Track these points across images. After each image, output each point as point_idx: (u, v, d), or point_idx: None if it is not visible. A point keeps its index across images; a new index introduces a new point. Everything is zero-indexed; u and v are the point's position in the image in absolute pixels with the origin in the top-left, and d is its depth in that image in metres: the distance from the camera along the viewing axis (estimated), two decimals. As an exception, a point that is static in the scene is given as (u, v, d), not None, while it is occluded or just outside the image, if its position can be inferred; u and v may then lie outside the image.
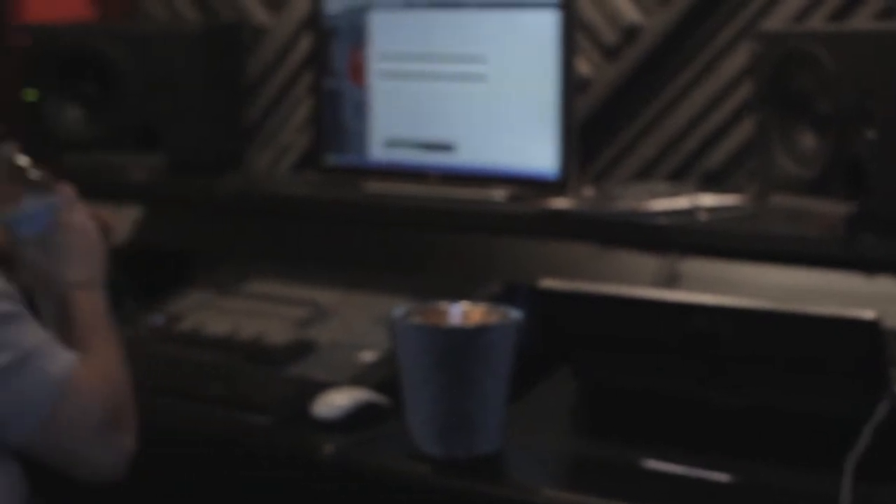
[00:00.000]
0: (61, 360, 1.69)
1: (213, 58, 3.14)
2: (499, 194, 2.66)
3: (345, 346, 2.41)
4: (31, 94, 3.19)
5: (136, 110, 3.10)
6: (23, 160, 1.92)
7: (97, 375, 1.72)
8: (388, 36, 2.82)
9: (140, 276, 2.77)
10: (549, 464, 2.07)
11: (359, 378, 2.28)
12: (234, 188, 2.95)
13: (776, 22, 2.68)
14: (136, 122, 3.11)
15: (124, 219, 2.95)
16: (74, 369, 1.69)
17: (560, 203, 2.55)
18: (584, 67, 2.86)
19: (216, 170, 3.11)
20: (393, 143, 2.83)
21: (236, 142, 3.25)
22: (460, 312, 2.06)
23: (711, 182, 2.70)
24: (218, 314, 2.60)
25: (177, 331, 2.56)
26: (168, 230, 2.94)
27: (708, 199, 2.49)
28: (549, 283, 2.13)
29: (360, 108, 2.86)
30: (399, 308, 2.05)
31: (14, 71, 3.29)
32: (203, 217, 2.90)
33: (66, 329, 1.79)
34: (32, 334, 1.69)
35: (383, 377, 2.23)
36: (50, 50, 3.20)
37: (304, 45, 3.18)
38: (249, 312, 2.58)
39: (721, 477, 1.88)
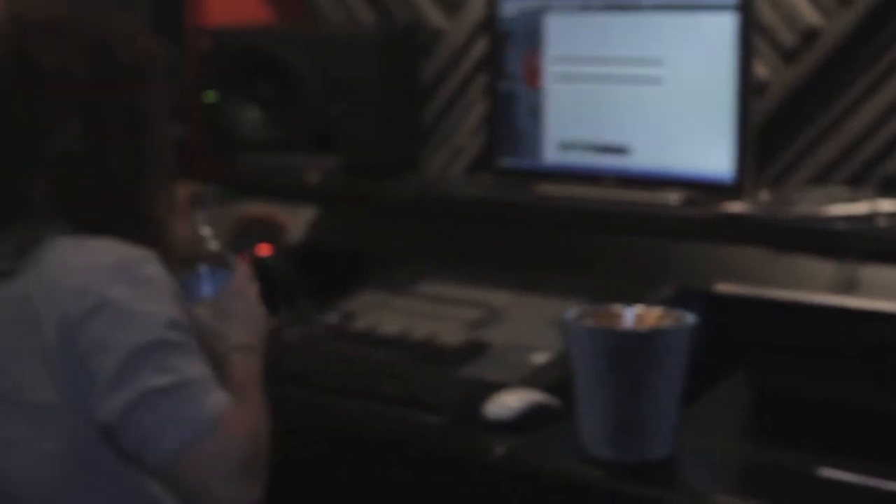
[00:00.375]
0: (217, 396, 1.72)
1: (389, 61, 3.17)
2: (673, 198, 2.64)
3: (517, 348, 2.41)
4: (210, 96, 3.25)
5: (313, 112, 3.13)
6: (206, 231, 1.99)
7: (244, 422, 1.75)
8: (563, 39, 2.81)
9: (315, 276, 2.81)
10: (721, 469, 2.05)
11: (530, 379, 2.28)
12: (408, 190, 2.97)
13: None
14: (312, 125, 3.14)
15: (299, 219, 2.99)
16: (227, 409, 1.72)
17: (735, 207, 2.53)
18: (761, 70, 2.82)
19: (391, 172, 3.14)
20: (567, 146, 2.83)
21: (411, 144, 3.27)
22: (633, 315, 2.05)
23: (891, 187, 2.65)
24: (391, 314, 2.62)
25: (351, 329, 2.59)
26: (342, 231, 2.97)
27: (887, 205, 2.44)
28: (723, 287, 2.11)
29: (535, 111, 2.86)
30: (572, 310, 2.05)
31: (195, 73, 3.35)
32: (377, 218, 2.93)
33: (221, 383, 1.83)
34: (196, 366, 1.72)
35: (555, 379, 2.23)
36: (229, 53, 3.26)
37: (479, 47, 3.19)
38: (422, 313, 2.60)
39: (899, 487, 1.85)
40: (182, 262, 1.97)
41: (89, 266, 1.72)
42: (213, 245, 2.00)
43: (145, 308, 1.70)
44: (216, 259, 1.99)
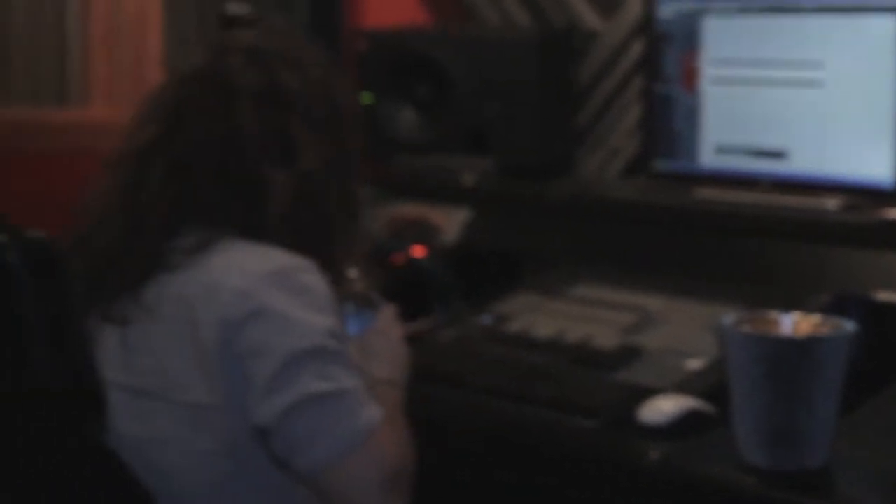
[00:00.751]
0: (371, 410, 1.74)
1: (544, 62, 3.17)
2: (832, 203, 2.60)
3: (672, 353, 2.40)
4: (366, 98, 3.28)
5: (468, 114, 3.15)
6: (353, 273, 2.02)
7: (393, 438, 1.76)
8: (721, 41, 2.79)
9: (469, 277, 2.82)
10: (878, 479, 2.02)
11: (685, 385, 2.27)
12: (563, 192, 2.97)
13: None
14: (467, 126, 3.16)
15: (454, 220, 3.01)
16: (380, 424, 1.74)
17: (896, 213, 2.49)
18: (924, 73, 2.77)
19: (546, 173, 3.14)
20: (723, 150, 2.80)
21: (565, 145, 3.27)
22: (791, 322, 2.03)
23: None
24: (545, 317, 2.62)
25: (505, 332, 2.60)
26: (497, 232, 2.98)
27: None
28: (883, 295, 2.08)
29: (691, 114, 2.84)
30: (728, 316, 2.03)
31: (351, 75, 3.39)
32: (532, 220, 2.93)
33: None
34: (353, 378, 1.75)
35: (710, 385, 2.22)
36: (385, 55, 3.29)
37: (636, 49, 3.18)
38: (577, 316, 2.60)
39: None
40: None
41: (250, 270, 1.75)
42: (360, 285, 2.03)
43: (304, 316, 1.73)
44: (362, 299, 2.02)
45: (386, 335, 2.00)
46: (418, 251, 2.82)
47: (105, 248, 1.83)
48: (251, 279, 1.74)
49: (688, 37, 2.83)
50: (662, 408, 2.15)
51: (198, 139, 1.84)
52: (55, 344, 1.64)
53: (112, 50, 4.23)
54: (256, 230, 1.82)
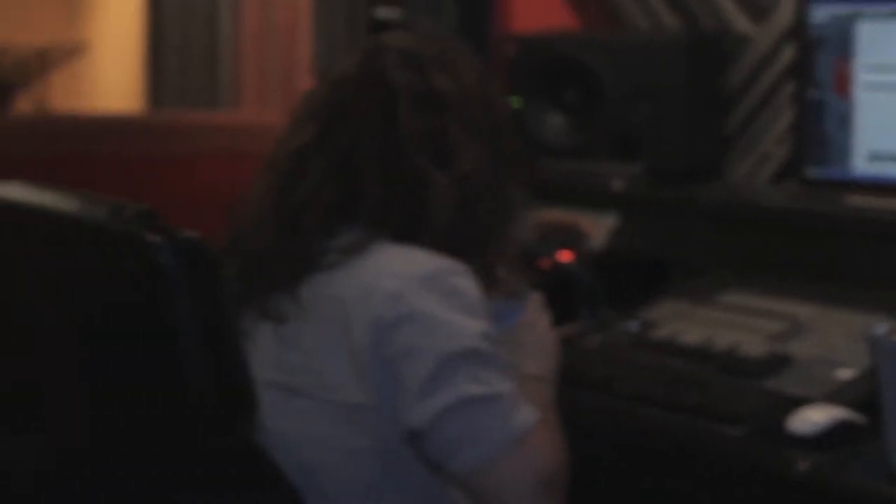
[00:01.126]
0: (526, 412, 1.74)
1: (694, 67, 3.15)
2: None
3: (821, 362, 2.37)
4: (515, 102, 3.29)
5: (617, 119, 3.14)
6: (502, 272, 2.02)
7: (547, 441, 1.76)
8: (875, 46, 2.74)
9: (615, 283, 2.81)
10: None
11: (835, 395, 2.23)
12: (712, 198, 2.95)
13: None
14: (615, 130, 3.14)
15: (601, 226, 3.00)
16: (533, 427, 1.74)
17: None
18: None
19: (695, 179, 3.12)
20: (877, 157, 2.75)
21: (715, 151, 3.24)
22: (946, 333, 1.99)
23: None
24: (693, 323, 2.60)
25: (652, 338, 2.58)
26: (644, 238, 2.96)
27: None
28: None
29: (844, 121, 2.79)
30: (881, 326, 2.00)
31: (500, 80, 3.39)
32: (680, 226, 2.91)
33: None
34: (507, 381, 1.75)
35: (861, 395, 2.18)
36: (534, 59, 3.29)
37: (787, 54, 3.14)
38: (724, 323, 2.57)
39: None
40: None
41: (403, 273, 1.76)
42: (506, 278, 2.02)
43: (456, 318, 1.73)
44: (508, 289, 2.01)
45: (534, 327, 1.99)
46: (565, 256, 2.82)
47: (260, 249, 1.86)
48: (404, 282, 1.75)
49: (841, 41, 2.79)
50: (812, 417, 2.12)
51: (355, 139, 1.85)
52: (208, 343, 1.67)
53: (262, 55, 4.30)
54: (413, 232, 1.82)
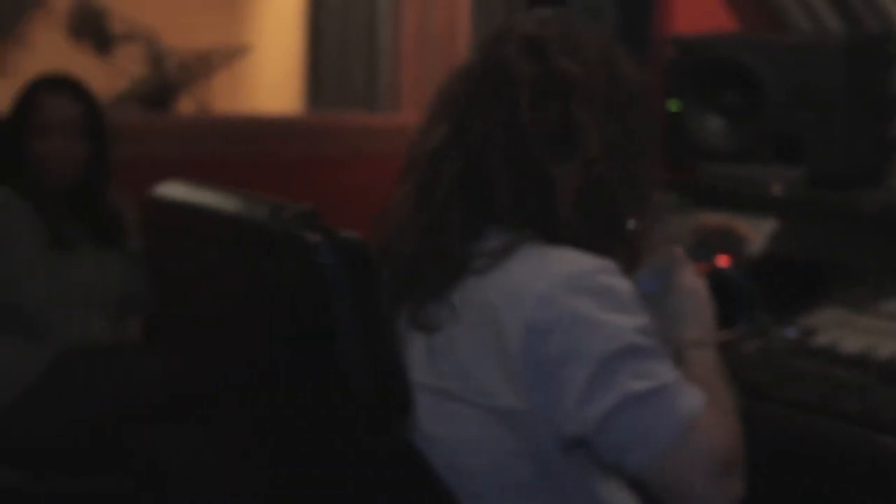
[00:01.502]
0: (692, 399, 1.72)
1: (856, 70, 3.09)
2: None
3: None
4: (674, 105, 3.27)
5: (778, 122, 3.10)
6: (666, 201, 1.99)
7: (719, 419, 1.74)
8: None
9: (774, 289, 2.77)
10: None
11: None
12: (873, 203, 2.89)
13: None
14: (776, 135, 3.11)
15: (761, 231, 2.96)
16: (702, 411, 1.72)
17: None
18: None
19: (857, 184, 3.06)
20: None
21: (878, 156, 3.18)
22: None
23: None
24: (853, 331, 2.56)
25: (811, 345, 2.54)
26: (804, 244, 2.92)
27: None
28: None
29: None
30: None
31: (659, 82, 3.37)
32: (841, 231, 2.87)
33: None
34: (669, 370, 1.73)
35: None
36: (694, 61, 3.26)
37: (955, 57, 3.07)
38: (886, 332, 2.52)
39: None
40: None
41: (552, 275, 1.74)
42: (658, 243, 1.99)
43: (611, 317, 1.72)
44: (660, 257, 1.97)
45: (688, 292, 1.94)
46: (723, 261, 2.78)
47: (407, 253, 1.86)
48: (553, 284, 1.74)
49: None
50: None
51: (483, 135, 1.83)
52: (366, 343, 1.68)
53: (421, 57, 4.32)
54: (549, 224, 1.81)
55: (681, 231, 2.93)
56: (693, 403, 1.71)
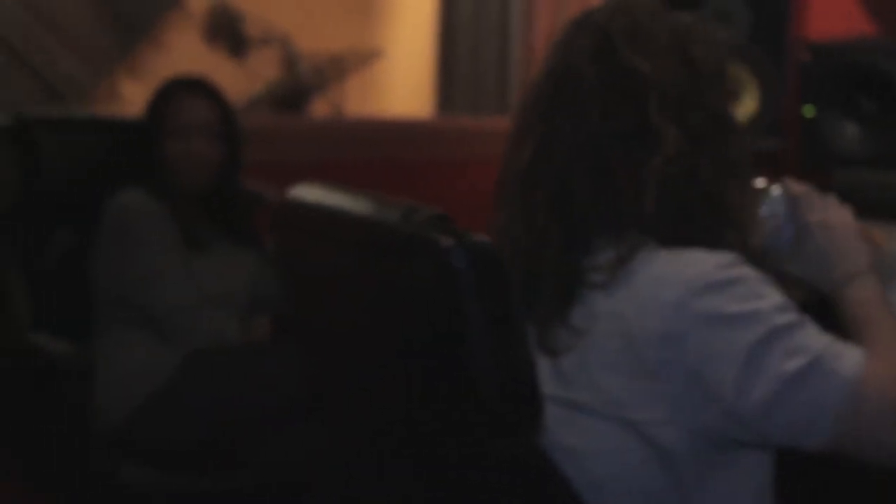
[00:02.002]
0: (850, 359, 1.67)
1: None
2: None
3: None
4: (808, 111, 3.23)
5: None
6: (760, 182, 1.94)
7: (884, 366, 1.67)
8: None
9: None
10: None
11: None
12: None
13: None
14: (914, 141, 3.06)
15: (894, 237, 2.92)
16: (865, 365, 1.68)
17: None
18: None
19: None
20: None
21: None
22: None
23: None
24: None
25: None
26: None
27: None
28: None
29: None
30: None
31: (795, 87, 3.34)
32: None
33: (850, 331, 1.78)
34: (817, 337, 1.69)
35: None
36: (830, 66, 3.22)
37: None
38: None
39: None
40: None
41: (677, 280, 1.72)
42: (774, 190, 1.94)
43: (744, 308, 1.69)
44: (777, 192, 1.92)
45: (820, 228, 1.88)
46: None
47: (522, 269, 1.84)
48: (681, 290, 1.71)
49: None
50: None
51: (567, 149, 1.81)
52: (496, 346, 1.68)
53: (553, 60, 4.32)
54: (653, 228, 1.78)
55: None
56: (852, 365, 1.66)
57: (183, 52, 4.12)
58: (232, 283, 3.27)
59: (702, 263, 1.74)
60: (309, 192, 1.96)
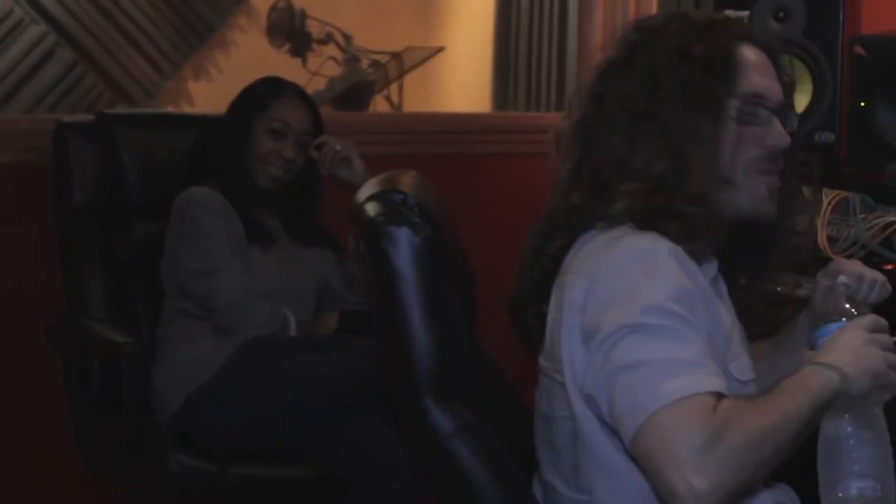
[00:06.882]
0: (677, 384, 1.71)
1: None
2: None
3: None
4: (861, 104, 3.26)
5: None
6: (844, 287, 2.00)
7: (694, 418, 1.69)
8: None
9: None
10: None
11: None
12: None
13: None
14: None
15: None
16: (680, 398, 1.70)
17: None
18: None
19: None
20: None
21: None
22: None
23: None
24: None
25: None
26: None
27: None
28: None
29: None
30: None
31: (848, 81, 3.37)
32: None
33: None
34: (665, 350, 1.75)
35: None
36: (881, 60, 3.26)
37: None
38: None
39: None
40: (815, 318, 2.02)
41: (603, 255, 1.85)
42: (850, 303, 1.99)
43: (630, 293, 1.77)
44: (846, 310, 1.98)
45: (842, 336, 1.89)
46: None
47: (529, 248, 2.01)
48: (599, 265, 1.84)
49: None
50: None
51: (598, 164, 1.93)
52: (428, 324, 1.89)
53: (610, 57, 4.36)
54: (654, 221, 1.87)
55: (869, 231, 2.93)
56: (675, 388, 1.70)
57: (248, 51, 4.19)
58: (297, 279, 3.31)
59: (630, 246, 1.85)
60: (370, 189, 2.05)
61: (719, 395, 1.71)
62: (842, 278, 2.01)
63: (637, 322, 1.74)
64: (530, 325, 2.01)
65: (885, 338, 1.88)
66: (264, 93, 3.34)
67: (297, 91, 3.39)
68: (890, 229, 3.00)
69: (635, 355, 1.73)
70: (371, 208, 1.90)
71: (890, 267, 2.81)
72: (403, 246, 1.85)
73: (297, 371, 3.12)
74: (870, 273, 2.04)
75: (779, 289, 2.17)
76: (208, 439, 3.09)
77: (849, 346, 1.84)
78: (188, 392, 3.11)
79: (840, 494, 1.81)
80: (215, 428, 3.09)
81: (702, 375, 1.72)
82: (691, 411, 1.67)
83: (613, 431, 1.80)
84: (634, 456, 1.74)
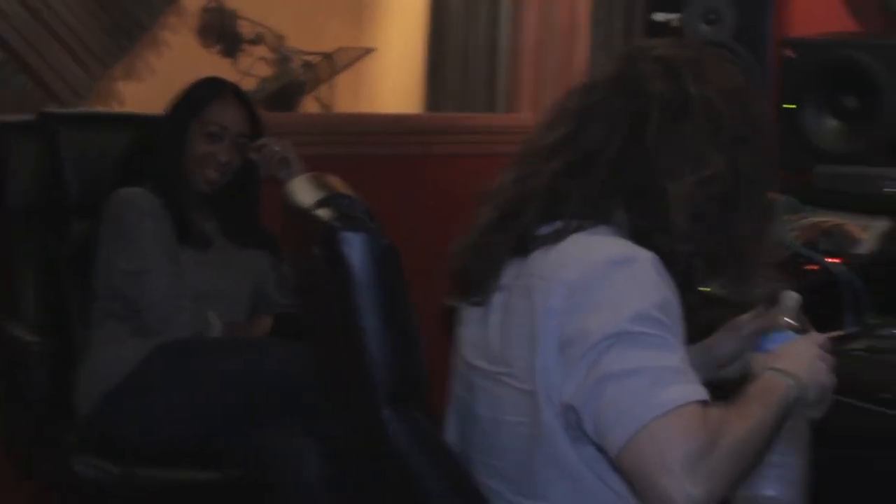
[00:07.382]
0: (674, 391, 1.72)
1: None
2: None
3: None
4: (790, 106, 3.28)
5: (893, 124, 3.10)
6: (790, 302, 2.01)
7: (681, 426, 1.70)
8: None
9: (881, 288, 2.79)
10: None
11: None
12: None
13: None
14: (892, 137, 3.11)
15: (873, 231, 2.98)
16: (677, 406, 1.70)
17: None
18: None
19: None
20: None
21: None
22: None
23: None
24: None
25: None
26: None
27: None
28: None
29: None
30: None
31: (776, 84, 3.39)
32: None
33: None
34: (658, 359, 1.74)
35: None
36: (810, 63, 3.28)
37: None
38: None
39: None
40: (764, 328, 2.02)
41: (580, 262, 1.81)
42: (799, 317, 2.01)
43: (616, 301, 1.76)
44: (793, 325, 2.00)
45: (796, 346, 1.93)
46: (834, 260, 2.81)
47: (482, 230, 1.95)
48: (579, 272, 1.80)
49: None
50: None
51: (602, 141, 1.90)
52: (385, 327, 1.86)
53: (540, 59, 4.37)
54: (648, 236, 1.86)
55: (792, 231, 2.96)
56: (672, 398, 1.71)
57: (179, 51, 4.17)
58: (231, 281, 3.27)
59: (609, 251, 1.82)
60: (292, 188, 2.05)
61: (705, 404, 1.73)
62: (793, 294, 2.03)
63: (624, 330, 1.74)
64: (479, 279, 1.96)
65: (832, 359, 1.93)
66: (201, 95, 3.30)
67: (234, 92, 3.35)
68: (815, 231, 3.02)
69: (624, 364, 1.73)
70: (325, 213, 1.88)
71: (813, 268, 2.83)
72: (364, 251, 1.83)
73: (203, 371, 3.07)
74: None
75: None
76: (123, 441, 3.05)
77: (804, 356, 1.89)
78: (105, 393, 3.08)
79: (752, 493, 1.84)
80: (128, 429, 3.05)
81: (690, 385, 1.74)
82: (685, 421, 1.69)
83: (578, 439, 1.80)
84: (621, 465, 1.74)
